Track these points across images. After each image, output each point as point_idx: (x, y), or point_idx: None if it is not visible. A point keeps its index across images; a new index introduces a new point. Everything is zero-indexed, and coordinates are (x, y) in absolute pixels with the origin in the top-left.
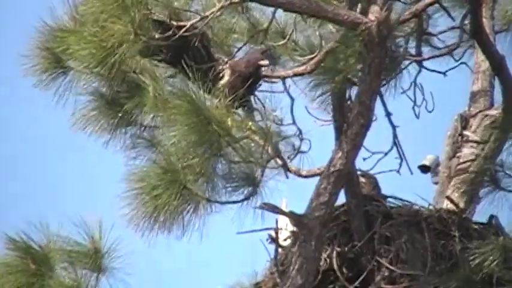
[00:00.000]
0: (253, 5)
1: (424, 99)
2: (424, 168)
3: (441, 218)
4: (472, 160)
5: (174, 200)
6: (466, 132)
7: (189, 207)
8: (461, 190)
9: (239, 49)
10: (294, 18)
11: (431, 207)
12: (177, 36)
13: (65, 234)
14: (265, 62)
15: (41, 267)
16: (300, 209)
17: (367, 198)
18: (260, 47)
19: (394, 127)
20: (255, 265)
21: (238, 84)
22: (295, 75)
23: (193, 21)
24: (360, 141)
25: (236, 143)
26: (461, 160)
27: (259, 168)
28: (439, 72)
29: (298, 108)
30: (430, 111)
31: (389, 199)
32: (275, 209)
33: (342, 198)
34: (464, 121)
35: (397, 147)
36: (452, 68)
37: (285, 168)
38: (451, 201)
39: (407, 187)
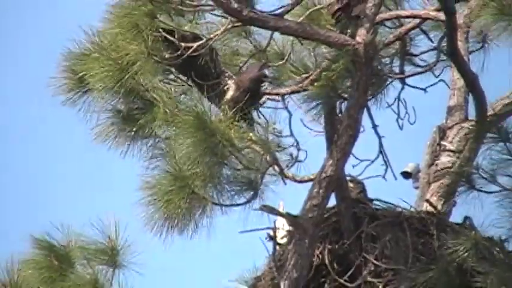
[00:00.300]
0: (254, 28)
1: (406, 112)
2: (406, 175)
3: (421, 218)
4: (449, 167)
5: (184, 203)
6: (443, 143)
7: (197, 210)
8: (439, 194)
9: (241, 67)
10: (292, 41)
11: (412, 209)
12: (185, 56)
13: (85, 234)
14: (267, 76)
15: (62, 264)
16: (295, 210)
17: (355, 201)
18: (259, 62)
19: (379, 137)
20: (256, 261)
21: (242, 99)
22: (293, 92)
23: (200, 42)
24: (348, 150)
25: (238, 152)
26: (439, 167)
27: (259, 175)
28: (420, 88)
29: (295, 121)
30: (412, 123)
31: (375, 202)
32: (273, 211)
33: (332, 201)
34: (442, 132)
35: (382, 156)
36: (432, 85)
37: (282, 174)
38: (430, 204)
39: (391, 191)
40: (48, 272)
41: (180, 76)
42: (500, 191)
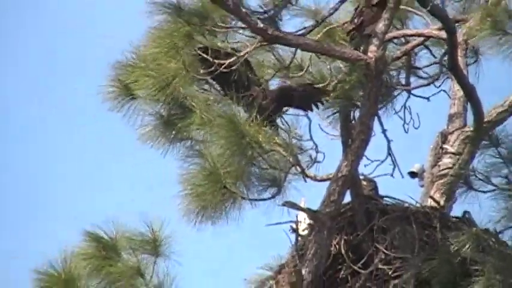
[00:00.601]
0: (278, 45)
1: (412, 118)
2: (412, 174)
3: (426, 213)
4: (450, 168)
5: (217, 197)
6: (445, 146)
7: (228, 203)
8: (441, 191)
9: (267, 81)
10: (310, 56)
11: (418, 204)
12: (218, 71)
13: (131, 227)
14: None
15: (110, 254)
16: (315, 206)
17: (368, 198)
18: (288, 83)
19: (388, 141)
20: (280, 250)
21: (270, 107)
22: None
23: (231, 59)
24: (361, 152)
25: (265, 153)
26: (441, 168)
27: (282, 174)
28: (424, 97)
29: (314, 127)
30: (416, 128)
31: (385, 198)
32: (295, 206)
33: (347, 198)
34: (444, 137)
35: (391, 157)
36: (434, 94)
37: (303, 174)
38: (434, 200)
39: (399, 189)
40: (97, 261)
41: (215, 85)
42: (494, 190)
